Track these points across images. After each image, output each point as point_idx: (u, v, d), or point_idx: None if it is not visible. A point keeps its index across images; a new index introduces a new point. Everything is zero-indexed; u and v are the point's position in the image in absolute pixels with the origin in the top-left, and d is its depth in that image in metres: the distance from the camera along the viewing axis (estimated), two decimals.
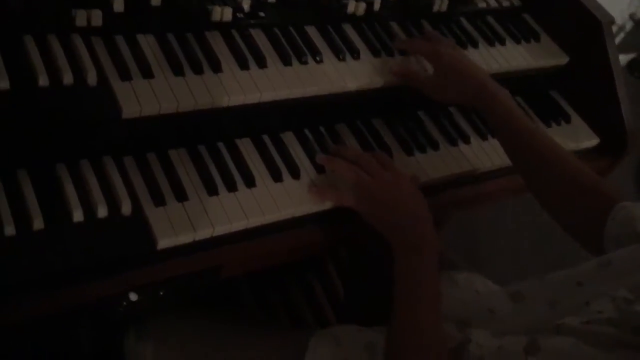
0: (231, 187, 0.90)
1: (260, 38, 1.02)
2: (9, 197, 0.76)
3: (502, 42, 1.27)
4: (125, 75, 0.86)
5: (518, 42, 1.30)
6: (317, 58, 1.03)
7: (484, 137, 1.19)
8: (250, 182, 0.92)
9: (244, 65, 0.96)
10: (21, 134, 0.79)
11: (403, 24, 1.19)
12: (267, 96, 0.95)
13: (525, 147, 0.99)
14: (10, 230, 0.73)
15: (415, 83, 1.07)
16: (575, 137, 1.30)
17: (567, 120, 1.32)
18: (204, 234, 0.84)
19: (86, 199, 0.80)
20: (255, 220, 0.89)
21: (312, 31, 1.08)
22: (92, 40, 0.88)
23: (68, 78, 0.82)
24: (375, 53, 1.10)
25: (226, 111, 0.93)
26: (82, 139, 0.83)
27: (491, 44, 1.26)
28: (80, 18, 0.87)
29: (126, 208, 0.81)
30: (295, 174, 0.96)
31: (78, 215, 0.78)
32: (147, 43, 0.92)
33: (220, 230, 0.85)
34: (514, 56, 1.27)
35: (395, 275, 0.85)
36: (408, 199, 0.91)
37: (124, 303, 0.76)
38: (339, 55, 1.06)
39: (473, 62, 1.09)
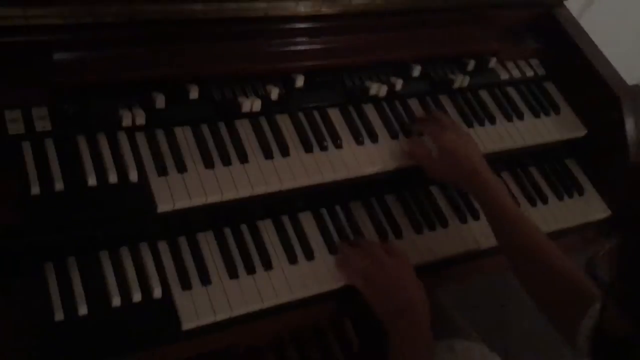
0: (250, 270, 1.02)
1: (285, 124, 1.12)
2: (60, 284, 0.90)
3: (520, 117, 1.33)
4: (162, 171, 0.98)
5: (537, 115, 1.36)
6: (337, 142, 1.13)
7: None
8: (267, 265, 1.03)
9: (268, 155, 1.07)
10: (72, 228, 0.92)
11: (423, 100, 1.27)
12: (288, 185, 1.06)
13: (510, 237, 1.07)
14: (59, 315, 0.87)
15: (419, 163, 1.16)
16: (586, 209, 1.36)
17: (580, 192, 1.38)
18: (223, 315, 0.97)
19: (124, 285, 0.94)
20: (270, 302, 1.00)
21: (334, 114, 1.17)
22: (136, 136, 1.01)
23: (113, 177, 0.95)
24: (393, 135, 1.19)
25: (250, 199, 1.04)
26: (122, 229, 0.96)
27: (509, 119, 1.32)
28: (126, 119, 0.99)
29: (157, 293, 0.94)
30: (309, 255, 1.07)
31: (116, 301, 0.92)
32: (184, 135, 1.04)
33: (238, 312, 0.98)
34: (531, 131, 1.33)
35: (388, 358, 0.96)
36: (405, 285, 1.00)
37: None
38: (358, 138, 1.15)
39: (472, 147, 1.16)
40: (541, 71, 1.43)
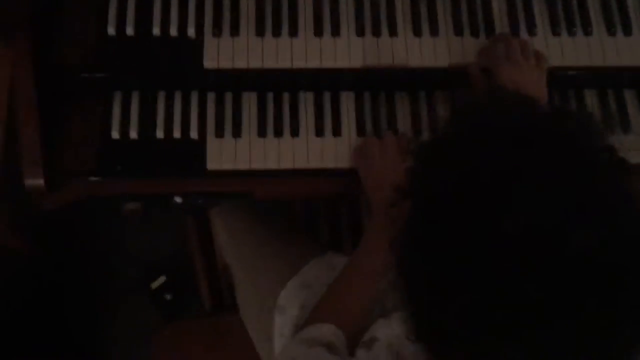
0: (278, 133, 1.16)
1: (347, 3, 1.16)
2: (122, 109, 1.13)
3: (628, 31, 1.18)
4: (216, 32, 1.13)
5: None
6: (392, 31, 1.15)
7: None
8: (295, 132, 1.16)
9: (318, 32, 1.14)
10: (136, 67, 1.14)
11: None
12: (327, 64, 1.14)
13: None
14: (115, 134, 1.12)
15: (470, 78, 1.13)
16: None
17: None
18: (242, 166, 1.14)
19: (169, 121, 1.14)
20: (285, 165, 1.14)
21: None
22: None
23: (174, 31, 1.12)
24: (458, 31, 1.16)
25: (291, 70, 1.14)
26: (177, 76, 1.15)
27: (611, 31, 1.18)
28: None
29: (194, 134, 1.14)
30: (337, 132, 1.16)
31: (160, 134, 1.13)
32: (246, 3, 1.16)
33: (256, 166, 1.14)
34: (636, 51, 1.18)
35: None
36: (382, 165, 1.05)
37: (174, 201, 1.13)
38: (416, 28, 1.16)
39: (531, 84, 1.06)
40: None
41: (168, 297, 1.98)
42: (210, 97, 1.17)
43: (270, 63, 1.13)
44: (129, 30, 1.12)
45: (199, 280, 1.56)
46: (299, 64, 1.13)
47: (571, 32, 1.17)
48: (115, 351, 1.88)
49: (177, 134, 1.14)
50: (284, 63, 1.13)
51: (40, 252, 1.74)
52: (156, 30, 1.12)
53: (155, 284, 1.99)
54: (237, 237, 1.30)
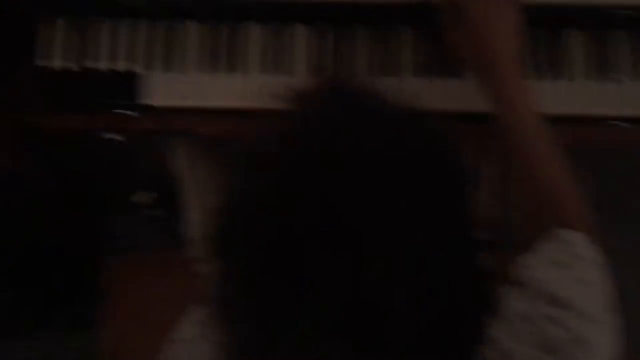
0: (222, 68, 1.07)
1: None
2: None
3: None
4: None
5: None
6: None
7: None
8: (241, 68, 1.07)
9: None
10: None
11: None
12: None
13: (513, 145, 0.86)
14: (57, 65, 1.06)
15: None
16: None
17: None
18: (183, 102, 1.07)
19: (96, 52, 1.07)
20: (228, 103, 1.07)
21: None
22: None
23: None
24: None
25: None
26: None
27: None
28: None
29: (122, 65, 1.07)
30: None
31: (95, 64, 1.07)
32: None
33: (191, 103, 1.06)
34: None
35: None
36: None
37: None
38: None
39: (505, 27, 0.89)
40: None
41: (160, 213, 1.94)
42: (142, 24, 1.08)
43: None
44: None
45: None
46: None
47: None
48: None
49: (122, 66, 1.06)
50: None
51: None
52: None
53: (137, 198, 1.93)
54: None
